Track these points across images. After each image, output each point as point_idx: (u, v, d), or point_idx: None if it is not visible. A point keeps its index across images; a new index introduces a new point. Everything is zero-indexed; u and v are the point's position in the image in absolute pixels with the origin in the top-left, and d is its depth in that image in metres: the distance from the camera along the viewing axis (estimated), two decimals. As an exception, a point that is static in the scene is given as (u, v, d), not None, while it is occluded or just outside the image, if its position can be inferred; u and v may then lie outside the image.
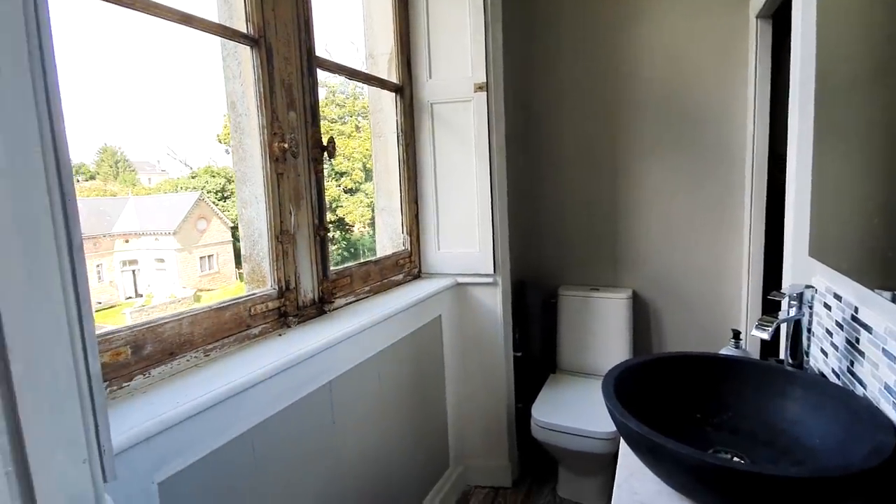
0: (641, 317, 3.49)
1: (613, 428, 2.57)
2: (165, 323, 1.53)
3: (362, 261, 2.57)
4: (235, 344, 1.77)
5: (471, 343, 3.07)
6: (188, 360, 1.59)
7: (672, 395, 1.34)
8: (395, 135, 2.95)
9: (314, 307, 2.16)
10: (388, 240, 3.12)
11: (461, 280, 3.01)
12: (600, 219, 3.57)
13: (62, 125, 0.89)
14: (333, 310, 2.26)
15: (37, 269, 0.80)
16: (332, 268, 2.27)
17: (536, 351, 3.69)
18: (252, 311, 1.85)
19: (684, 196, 3.38)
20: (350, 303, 2.42)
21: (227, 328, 1.74)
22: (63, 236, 0.85)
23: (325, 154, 2.12)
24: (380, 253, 3.06)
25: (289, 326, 2.01)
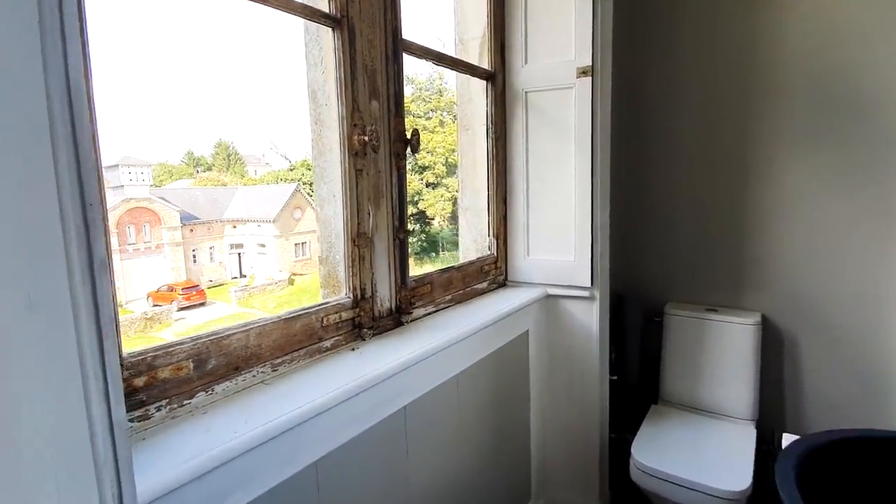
0: (772, 348, 2.90)
1: (739, 485, 2.10)
2: (232, 334, 1.39)
3: (443, 267, 2.33)
4: (306, 358, 1.61)
5: (560, 363, 2.72)
6: (254, 376, 1.44)
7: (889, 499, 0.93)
8: (485, 127, 2.67)
9: (391, 318, 1.95)
10: (472, 242, 2.86)
11: (552, 291, 2.67)
12: (721, 226, 3.02)
13: (86, 125, 0.70)
14: (412, 321, 2.05)
15: (41, 293, 0.63)
16: (411, 274, 2.06)
17: (634, 375, 3.24)
18: (324, 321, 1.68)
19: (836, 201, 2.74)
20: (430, 313, 2.19)
21: (297, 340, 1.58)
22: (81, 251, 0.68)
23: (408, 149, 1.90)
24: (463, 256, 2.82)
25: (363, 339, 1.82)
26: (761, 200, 2.90)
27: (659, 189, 3.17)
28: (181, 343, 1.27)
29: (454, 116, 2.80)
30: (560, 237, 2.63)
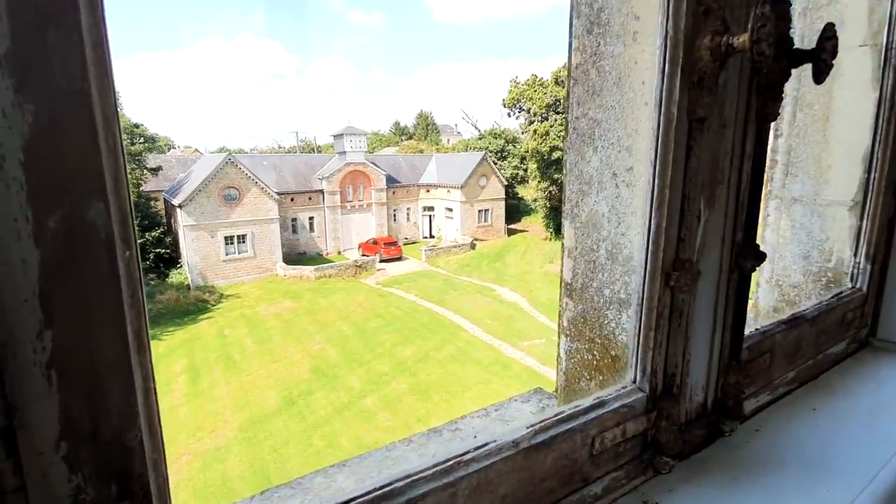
0: None
1: None
2: (428, 491, 0.62)
3: (788, 316, 1.22)
4: (553, 519, 0.77)
5: None
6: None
7: None
8: (874, 46, 1.37)
9: (703, 423, 0.98)
10: (799, 259, 1.62)
11: None
12: None
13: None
14: (739, 428, 1.03)
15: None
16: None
17: None
18: (597, 443, 0.81)
19: None
20: (763, 406, 1.14)
21: (546, 489, 0.75)
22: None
23: (814, 70, 0.83)
24: (774, 283, 1.63)
25: (659, 473, 0.90)
26: None
27: None
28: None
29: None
30: None
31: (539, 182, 32.60)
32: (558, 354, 1.12)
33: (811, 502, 0.85)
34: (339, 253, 32.87)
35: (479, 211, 35.63)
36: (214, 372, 17.32)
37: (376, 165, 34.49)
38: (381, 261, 30.20)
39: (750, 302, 1.05)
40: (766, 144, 0.91)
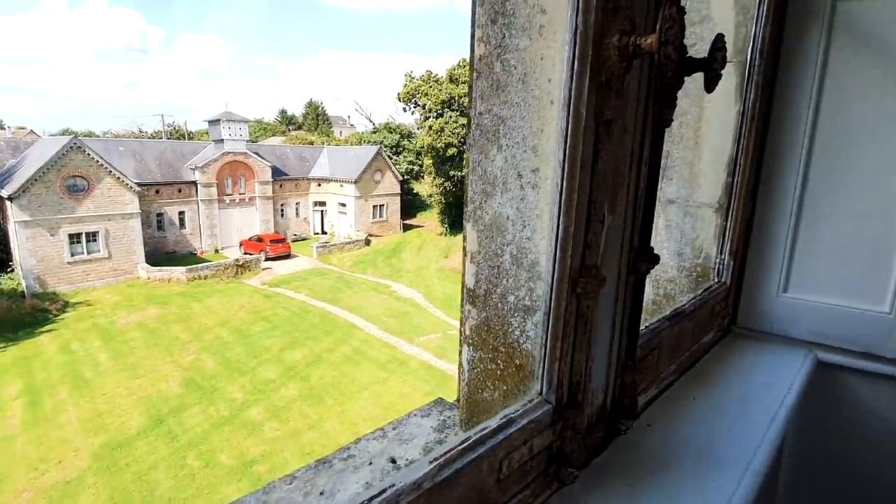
0: None
1: None
2: None
3: (671, 312, 1.30)
4: (462, 558, 0.69)
5: (826, 476, 1.62)
6: None
7: None
8: (738, 63, 1.53)
9: (602, 426, 0.98)
10: (674, 256, 1.77)
11: (829, 358, 1.55)
12: None
13: None
14: (631, 426, 1.06)
15: None
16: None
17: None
18: (504, 466, 0.75)
19: None
20: (652, 400, 1.19)
21: None
22: None
23: (706, 78, 0.85)
24: (653, 281, 1.76)
25: (564, 484, 0.87)
26: None
27: None
28: None
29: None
30: (866, 269, 1.48)
31: (434, 178, 33.03)
32: (460, 364, 1.05)
33: (703, 494, 0.88)
34: (217, 252, 29.97)
35: (374, 206, 35.02)
36: (60, 393, 14.68)
37: (260, 156, 32.02)
38: (267, 259, 28.18)
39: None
40: (661, 150, 0.92)
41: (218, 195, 30.06)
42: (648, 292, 1.77)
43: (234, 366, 16.32)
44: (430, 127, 32.02)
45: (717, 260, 1.63)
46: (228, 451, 12.07)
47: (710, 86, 0.83)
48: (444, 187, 32.00)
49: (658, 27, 0.67)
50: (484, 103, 0.90)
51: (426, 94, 33.80)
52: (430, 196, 34.98)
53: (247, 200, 31.56)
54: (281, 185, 33.40)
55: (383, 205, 36.18)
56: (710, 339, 1.56)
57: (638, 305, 0.98)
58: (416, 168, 38.43)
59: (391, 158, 36.71)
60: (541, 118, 0.82)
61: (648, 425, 1.09)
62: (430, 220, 36.49)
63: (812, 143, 1.52)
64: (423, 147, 33.96)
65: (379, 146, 36.06)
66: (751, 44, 1.48)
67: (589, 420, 0.94)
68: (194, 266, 25.11)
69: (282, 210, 33.90)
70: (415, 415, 1.22)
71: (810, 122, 1.52)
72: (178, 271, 24.59)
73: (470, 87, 0.93)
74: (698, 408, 1.16)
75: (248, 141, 32.49)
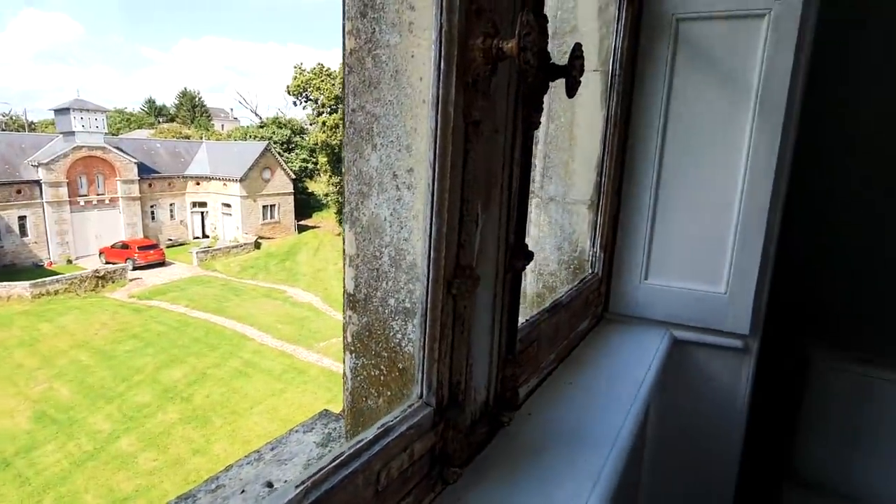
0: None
1: None
2: None
3: (550, 305, 1.38)
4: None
5: (680, 442, 1.84)
6: None
7: None
8: (603, 72, 1.67)
9: (485, 422, 1.00)
10: (555, 250, 1.90)
11: (681, 335, 1.77)
12: None
13: None
14: (514, 417, 1.09)
15: None
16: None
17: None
18: (382, 476, 0.71)
19: None
20: (533, 390, 1.25)
21: None
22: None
23: (567, 84, 0.90)
24: (536, 274, 1.87)
25: (448, 484, 0.86)
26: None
27: (838, 190, 2.25)
28: None
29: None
30: (706, 255, 1.71)
31: (330, 177, 31.89)
32: (344, 373, 1.00)
33: (573, 475, 0.94)
34: (71, 262, 25.84)
35: (264, 206, 32.76)
36: None
37: (123, 151, 28.18)
38: (136, 268, 24.96)
39: (521, 298, 1.11)
40: (532, 151, 0.96)
41: (70, 196, 25.84)
42: (533, 285, 1.87)
43: (96, 392, 14.20)
44: (324, 123, 30.86)
45: (591, 253, 1.77)
46: (95, 490, 10.49)
47: (570, 91, 0.88)
48: (341, 186, 31.00)
49: (517, 32, 0.69)
50: (357, 100, 0.85)
51: (318, 89, 32.48)
52: (327, 195, 33.74)
53: (107, 202, 27.57)
54: (150, 185, 29.71)
55: (274, 205, 34.00)
56: (586, 327, 1.69)
57: (516, 301, 1.01)
58: (311, 166, 36.76)
59: (282, 156, 34.64)
60: (414, 117, 0.80)
61: (529, 414, 1.14)
62: (327, 220, 35.20)
63: (664, 146, 1.72)
64: (316, 144, 32.59)
65: (268, 142, 33.79)
66: (612, 55, 1.61)
67: (472, 417, 0.95)
68: (41, 280, 21.35)
69: (152, 212, 30.17)
70: (296, 431, 1.14)
71: (661, 127, 1.71)
72: (18, 287, 20.70)
73: (343, 83, 0.88)
74: (573, 392, 1.25)
75: (106, 133, 28.40)
